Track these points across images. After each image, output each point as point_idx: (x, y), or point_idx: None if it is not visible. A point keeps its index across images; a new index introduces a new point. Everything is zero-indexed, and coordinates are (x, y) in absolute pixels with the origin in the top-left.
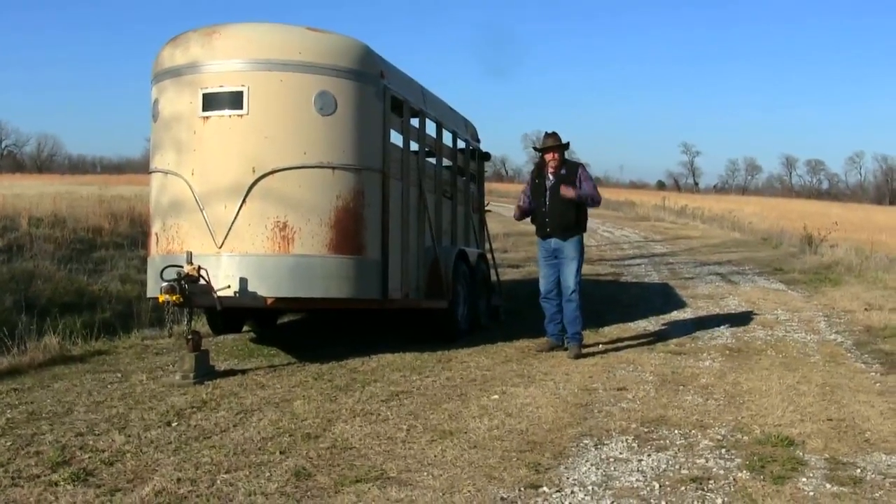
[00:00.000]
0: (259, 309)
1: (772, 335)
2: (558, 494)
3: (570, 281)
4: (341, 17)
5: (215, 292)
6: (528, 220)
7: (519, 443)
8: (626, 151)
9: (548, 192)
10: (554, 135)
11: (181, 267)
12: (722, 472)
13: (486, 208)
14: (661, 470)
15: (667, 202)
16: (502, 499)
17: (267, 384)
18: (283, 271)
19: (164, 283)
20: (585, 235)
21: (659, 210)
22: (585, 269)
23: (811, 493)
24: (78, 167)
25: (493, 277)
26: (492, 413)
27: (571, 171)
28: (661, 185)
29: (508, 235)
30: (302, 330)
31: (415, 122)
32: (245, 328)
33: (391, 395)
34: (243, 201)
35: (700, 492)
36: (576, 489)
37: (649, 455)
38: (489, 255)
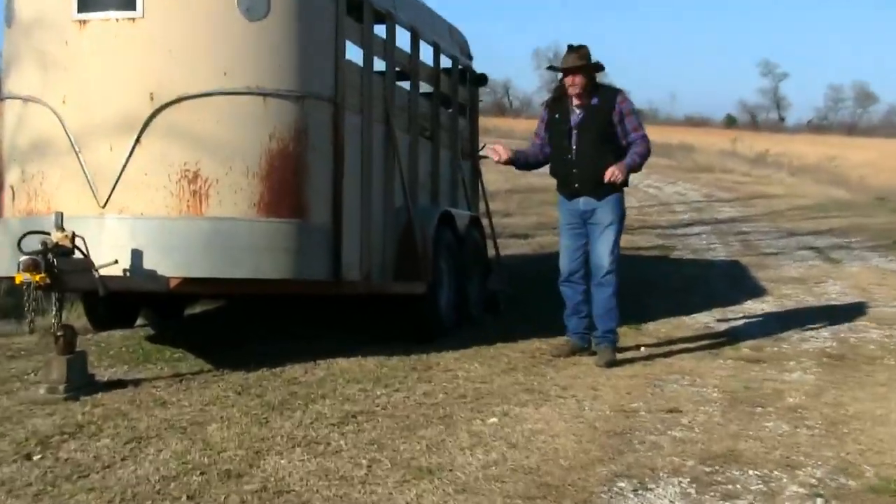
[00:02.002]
0: (160, 294)
1: (891, 337)
2: None
3: (604, 257)
4: None
5: (97, 270)
6: (545, 170)
7: (526, 486)
8: (681, 74)
9: (573, 133)
10: (580, 50)
11: (48, 234)
12: None
13: (482, 153)
14: None
15: (738, 146)
16: None
17: (170, 401)
18: (194, 241)
19: (24, 258)
20: (626, 192)
21: (727, 157)
22: (624, 240)
23: None
24: None
25: (491, 252)
26: (488, 443)
27: (606, 101)
28: (730, 122)
29: (513, 192)
30: (220, 324)
31: (381, 30)
32: (139, 321)
33: (345, 416)
34: (137, 141)
35: None
36: None
37: None
38: (485, 221)
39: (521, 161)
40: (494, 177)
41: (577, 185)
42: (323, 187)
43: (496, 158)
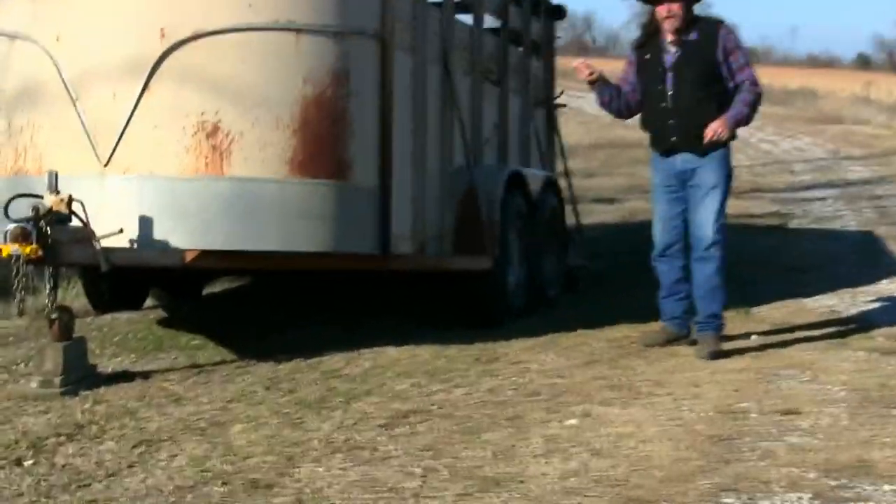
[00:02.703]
0: (173, 270)
1: None
2: None
3: (707, 227)
4: None
5: (98, 241)
6: (635, 121)
7: (612, 501)
8: (803, 3)
9: (668, 76)
10: None
11: (40, 198)
12: None
13: (559, 101)
14: None
15: (873, 91)
16: None
17: (185, 396)
18: (214, 206)
19: (11, 226)
20: (733, 148)
21: (859, 105)
22: (731, 206)
23: None
24: None
25: (570, 220)
26: (566, 449)
27: (707, 36)
28: (863, 62)
29: (597, 148)
30: (246, 306)
31: None
32: (149, 302)
33: (395, 416)
34: (145, 87)
35: None
36: None
37: None
38: (563, 183)
39: (606, 94)
40: (575, 129)
41: (674, 139)
42: (368, 142)
43: (581, 76)
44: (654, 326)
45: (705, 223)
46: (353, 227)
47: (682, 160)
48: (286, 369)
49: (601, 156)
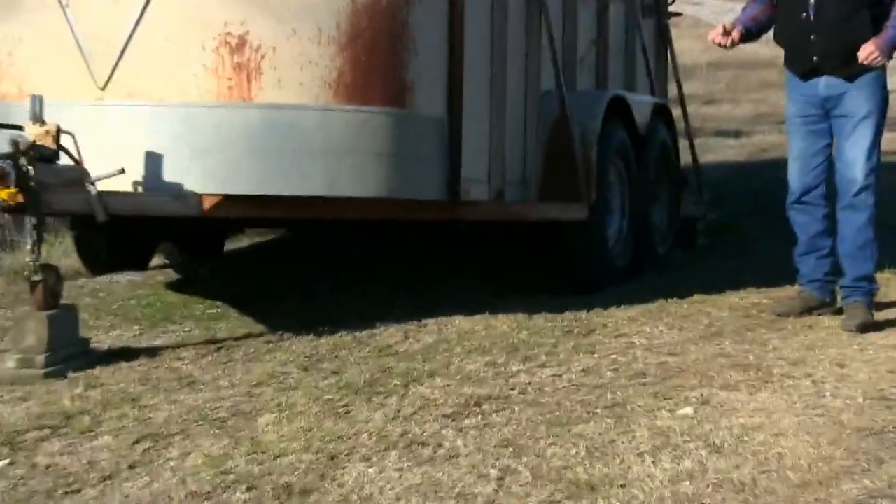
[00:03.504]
0: (189, 221)
1: None
2: None
3: (856, 167)
4: None
5: (94, 183)
6: (767, 36)
7: None
8: None
9: None
10: None
11: (20, 129)
12: None
13: (672, 10)
14: None
15: None
16: None
17: (201, 380)
18: (240, 140)
19: None
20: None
21: None
22: (886, 141)
23: None
24: None
25: (686, 158)
26: (679, 445)
27: None
28: None
29: (718, 67)
30: (278, 266)
31: None
32: (156, 261)
33: (465, 404)
34: None
35: None
36: None
37: None
38: (676, 111)
39: (754, 31)
40: (690, 44)
41: (815, 59)
42: (433, 61)
43: (721, 43)
44: (790, 291)
45: (854, 162)
46: (415, 168)
47: (826, 84)
48: (328, 345)
49: (724, 78)
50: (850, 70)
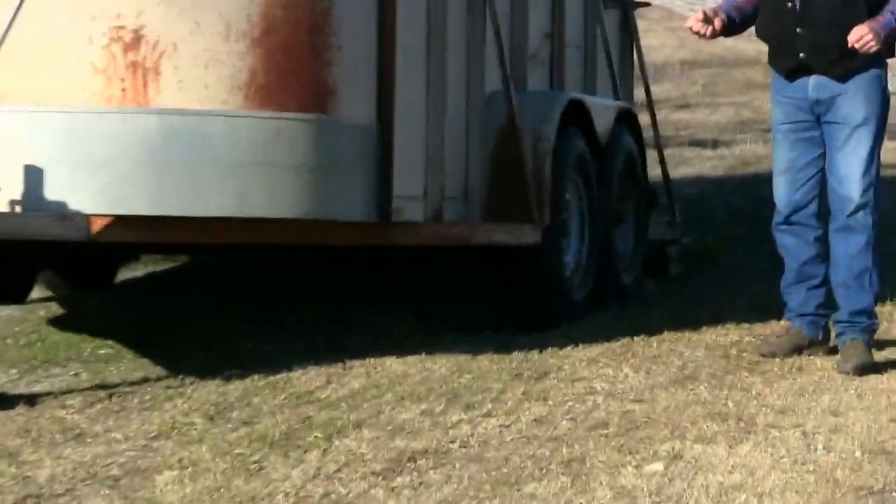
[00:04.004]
0: (74, 246)
1: None
2: None
3: (852, 182)
4: None
5: None
6: (751, 31)
7: None
8: None
9: None
10: None
11: None
12: None
13: None
14: None
15: None
16: None
17: (90, 431)
18: (134, 152)
19: None
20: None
21: None
22: (886, 151)
23: None
24: None
25: (656, 172)
26: None
27: None
28: None
29: (694, 65)
30: (181, 299)
31: None
32: (37, 293)
33: (397, 459)
34: None
35: None
36: None
37: None
38: (644, 118)
39: (738, 23)
40: (662, 39)
41: (802, 55)
42: (361, 59)
43: (701, 32)
44: (776, 328)
45: (849, 177)
46: (338, 184)
47: (816, 85)
48: (238, 390)
49: (701, 78)
50: (844, 69)
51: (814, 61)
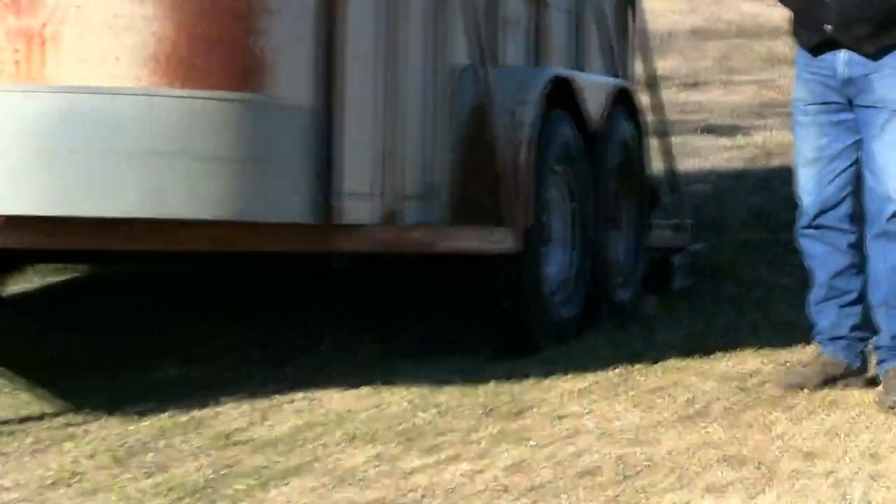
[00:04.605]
0: None
1: None
2: None
3: (891, 177)
4: None
5: None
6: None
7: None
8: None
9: None
10: None
11: None
12: None
13: None
14: None
15: None
16: None
17: None
18: (23, 140)
19: None
20: None
21: None
22: None
23: None
24: None
25: (657, 167)
26: None
27: None
28: None
29: (705, 35)
30: (78, 317)
31: None
32: None
33: None
34: None
35: None
36: None
37: None
38: (645, 99)
39: None
40: (669, 4)
41: (829, 27)
42: (301, 25)
43: None
44: (803, 354)
45: (888, 170)
46: (271, 178)
47: (847, 61)
48: (152, 429)
49: (714, 50)
50: (878, 46)
51: (842, 36)
